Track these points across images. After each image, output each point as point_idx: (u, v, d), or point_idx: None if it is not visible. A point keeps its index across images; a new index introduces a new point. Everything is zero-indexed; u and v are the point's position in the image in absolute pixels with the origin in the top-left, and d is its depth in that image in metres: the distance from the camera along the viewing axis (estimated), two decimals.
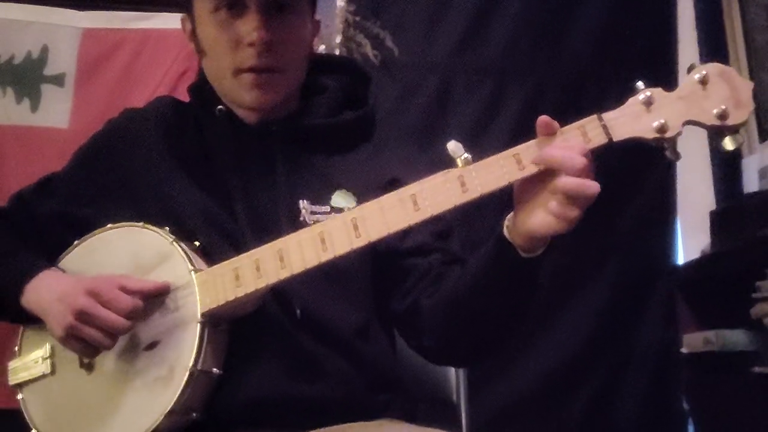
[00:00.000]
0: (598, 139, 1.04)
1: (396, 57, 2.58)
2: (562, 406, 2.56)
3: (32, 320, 1.27)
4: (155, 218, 1.27)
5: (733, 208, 2.42)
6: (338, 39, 2.53)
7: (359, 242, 1.12)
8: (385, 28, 2.57)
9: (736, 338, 2.28)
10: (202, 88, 1.39)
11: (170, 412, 1.16)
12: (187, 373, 1.16)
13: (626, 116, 1.04)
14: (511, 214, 1.11)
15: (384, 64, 2.57)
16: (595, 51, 2.67)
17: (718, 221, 2.44)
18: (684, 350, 2.49)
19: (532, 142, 1.06)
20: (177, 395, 1.16)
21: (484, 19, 2.64)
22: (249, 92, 1.29)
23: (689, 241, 2.65)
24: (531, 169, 1.05)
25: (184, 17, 1.38)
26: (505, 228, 1.11)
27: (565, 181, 1.01)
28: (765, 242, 2.10)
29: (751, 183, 2.52)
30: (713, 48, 2.61)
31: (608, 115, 1.04)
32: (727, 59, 2.56)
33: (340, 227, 1.13)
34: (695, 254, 2.57)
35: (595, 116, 1.05)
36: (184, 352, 1.17)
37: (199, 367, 1.16)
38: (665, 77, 2.77)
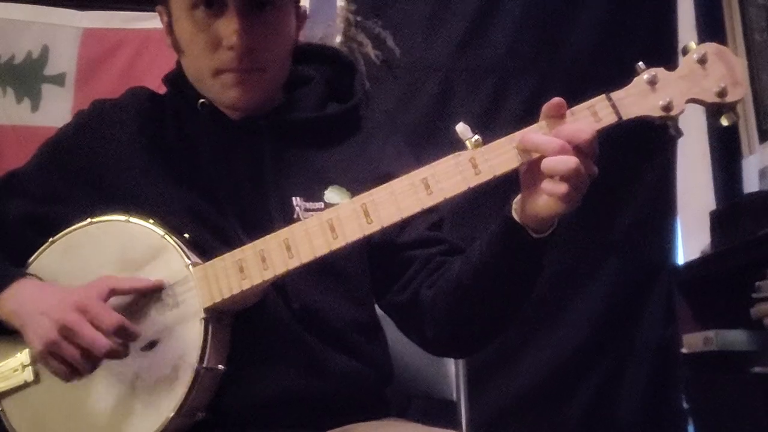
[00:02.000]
0: (608, 119, 1.06)
1: (397, 57, 2.58)
2: (561, 406, 2.56)
3: (4, 332, 1.21)
4: (133, 214, 1.22)
5: (733, 208, 2.41)
6: (339, 39, 2.53)
7: (371, 228, 1.10)
8: (387, 28, 2.57)
9: (736, 338, 2.28)
10: (179, 78, 1.34)
11: (177, 414, 1.12)
12: (194, 372, 1.12)
13: (633, 95, 1.06)
14: (518, 197, 1.11)
15: (385, 64, 2.57)
16: (595, 50, 2.67)
17: (718, 221, 2.44)
18: (684, 350, 2.49)
19: (543, 123, 1.07)
20: (183, 395, 1.12)
21: (485, 19, 2.64)
22: (230, 91, 1.24)
23: (689, 241, 2.66)
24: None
25: (161, 9, 1.31)
26: (513, 211, 1.12)
27: (545, 162, 1.03)
28: (765, 242, 2.09)
29: (751, 183, 2.52)
30: None
31: (616, 95, 1.06)
32: None
33: (350, 214, 1.10)
34: (695, 254, 2.57)
35: (603, 96, 1.06)
36: (188, 349, 1.14)
37: (204, 364, 1.13)
38: None
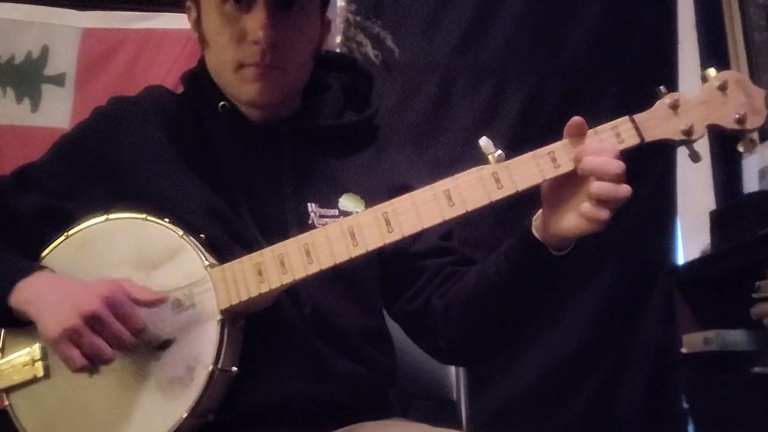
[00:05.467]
0: (631, 140, 1.07)
1: (396, 57, 2.58)
2: (561, 406, 2.56)
3: (14, 324, 1.20)
4: (149, 212, 1.22)
5: (733, 208, 2.42)
6: (339, 39, 2.54)
7: (392, 237, 1.10)
8: (386, 28, 2.57)
9: (736, 338, 2.28)
10: (198, 78, 1.34)
11: (190, 414, 1.11)
12: (208, 373, 1.12)
13: (656, 118, 1.08)
14: (538, 213, 1.12)
15: (385, 64, 2.57)
16: (595, 50, 2.68)
17: (718, 221, 2.44)
18: (684, 350, 2.49)
19: (566, 141, 1.08)
20: (197, 396, 1.11)
21: (484, 19, 2.65)
22: (250, 85, 1.25)
23: (689, 241, 2.66)
24: (567, 167, 1.08)
25: (190, 4, 1.33)
26: (533, 228, 1.12)
27: (599, 186, 1.04)
28: (765, 242, 2.10)
29: (751, 183, 2.53)
30: (713, 47, 2.62)
31: (639, 117, 1.08)
32: (726, 59, 2.56)
33: (371, 221, 1.11)
34: (695, 254, 2.58)
35: (627, 117, 1.08)
36: (203, 350, 1.13)
37: (219, 366, 1.12)
38: (665, 76, 2.80)
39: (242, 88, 1.27)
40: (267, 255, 1.14)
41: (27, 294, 1.17)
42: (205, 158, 1.30)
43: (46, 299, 1.16)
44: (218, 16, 1.25)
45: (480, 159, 1.10)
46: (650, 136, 1.07)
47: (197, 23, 1.31)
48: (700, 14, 2.67)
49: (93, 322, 1.12)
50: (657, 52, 2.68)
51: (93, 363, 1.14)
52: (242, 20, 1.23)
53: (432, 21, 2.63)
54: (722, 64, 2.51)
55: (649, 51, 2.68)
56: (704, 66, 2.54)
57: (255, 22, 1.22)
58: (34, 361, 1.21)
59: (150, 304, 1.15)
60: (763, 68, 2.48)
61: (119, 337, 1.12)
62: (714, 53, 2.60)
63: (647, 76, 2.58)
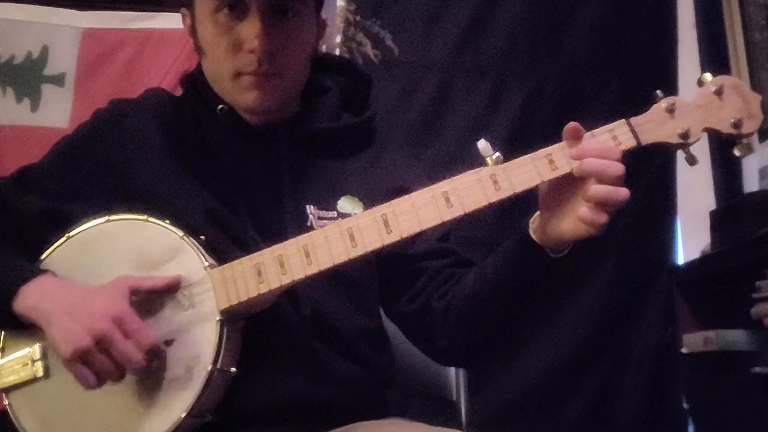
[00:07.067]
0: (628, 143, 1.08)
1: (396, 56, 2.59)
2: (561, 406, 2.57)
3: (17, 326, 1.19)
4: (149, 214, 1.22)
5: (733, 207, 2.42)
6: (338, 38, 2.54)
7: (390, 238, 1.11)
8: (386, 27, 2.57)
9: (736, 338, 2.29)
10: (196, 80, 1.35)
11: (189, 414, 1.11)
12: (207, 373, 1.12)
13: (652, 122, 1.08)
14: (536, 215, 1.13)
15: (384, 63, 2.57)
16: (594, 50, 2.68)
17: (718, 221, 2.44)
18: (684, 350, 2.50)
19: (563, 144, 1.09)
20: (196, 396, 1.12)
21: (483, 19, 2.65)
22: (248, 93, 1.26)
23: (689, 241, 2.66)
24: (564, 170, 1.08)
25: (185, 11, 1.33)
26: (530, 230, 1.13)
27: (597, 189, 1.04)
28: (765, 242, 2.10)
29: (751, 183, 2.53)
30: (713, 47, 2.62)
31: (636, 120, 1.09)
32: (726, 58, 2.57)
33: (369, 223, 1.12)
34: (695, 254, 2.58)
35: (623, 121, 1.08)
36: (202, 350, 1.13)
37: (218, 366, 1.13)
38: (665, 76, 2.79)
39: (240, 96, 1.27)
40: (266, 256, 1.15)
41: (32, 300, 1.17)
42: (204, 160, 1.30)
43: (52, 311, 1.15)
44: (213, 24, 1.25)
45: (478, 161, 1.10)
46: (646, 139, 1.08)
47: (192, 30, 1.32)
48: (699, 14, 2.67)
49: (102, 342, 1.11)
50: (657, 52, 2.68)
51: (103, 381, 1.13)
52: (237, 29, 1.23)
53: (431, 21, 2.64)
54: (722, 63, 2.51)
55: (649, 51, 2.68)
56: (704, 66, 2.56)
57: (250, 30, 1.22)
58: (33, 361, 1.20)
59: (166, 288, 1.16)
60: (763, 67, 2.48)
61: (129, 358, 1.11)
62: (714, 52, 2.60)
63: (647, 76, 2.58)
